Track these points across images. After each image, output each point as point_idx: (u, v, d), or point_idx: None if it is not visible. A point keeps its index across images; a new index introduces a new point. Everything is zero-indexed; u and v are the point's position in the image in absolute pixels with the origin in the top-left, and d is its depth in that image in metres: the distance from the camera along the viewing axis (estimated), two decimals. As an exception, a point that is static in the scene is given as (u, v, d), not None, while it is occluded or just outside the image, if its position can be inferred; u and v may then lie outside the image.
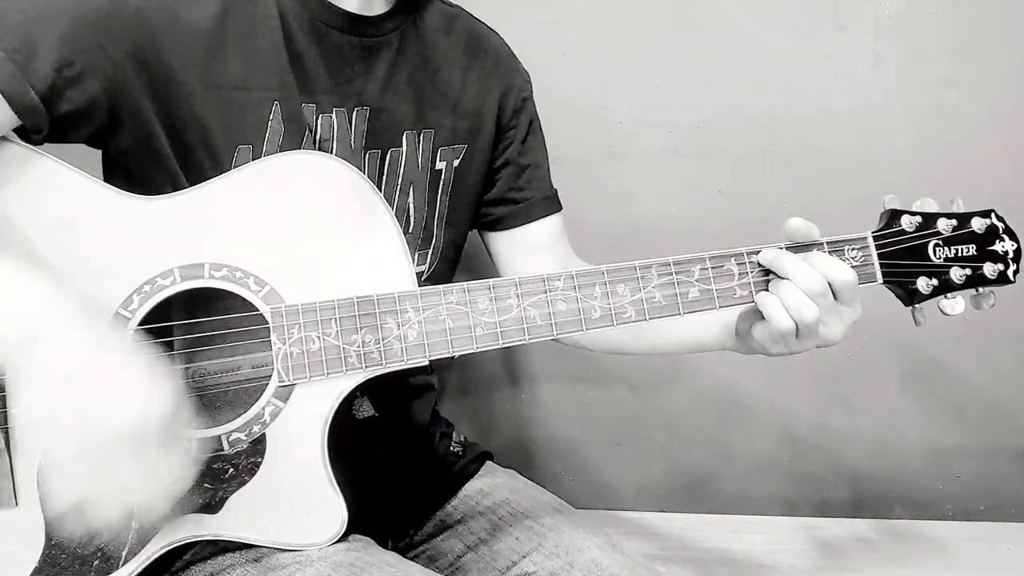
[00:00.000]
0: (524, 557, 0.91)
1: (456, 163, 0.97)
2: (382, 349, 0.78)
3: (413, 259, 0.92)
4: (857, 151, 1.32)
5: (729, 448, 1.45)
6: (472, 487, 1.02)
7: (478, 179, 1.00)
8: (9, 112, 0.73)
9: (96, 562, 0.75)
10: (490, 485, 1.02)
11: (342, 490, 0.77)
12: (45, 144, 0.78)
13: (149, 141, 0.81)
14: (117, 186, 0.79)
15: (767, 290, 0.80)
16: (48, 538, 0.74)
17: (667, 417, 1.46)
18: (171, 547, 0.76)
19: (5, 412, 0.75)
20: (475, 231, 1.08)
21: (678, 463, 1.47)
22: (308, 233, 0.79)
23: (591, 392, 1.47)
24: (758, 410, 1.43)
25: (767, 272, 0.81)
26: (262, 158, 0.82)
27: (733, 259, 0.81)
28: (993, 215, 0.85)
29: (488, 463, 1.07)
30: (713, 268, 0.81)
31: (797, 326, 0.78)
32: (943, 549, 1.29)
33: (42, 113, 0.75)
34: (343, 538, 0.80)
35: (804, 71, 1.32)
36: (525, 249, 1.05)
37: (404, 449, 0.99)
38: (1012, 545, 1.30)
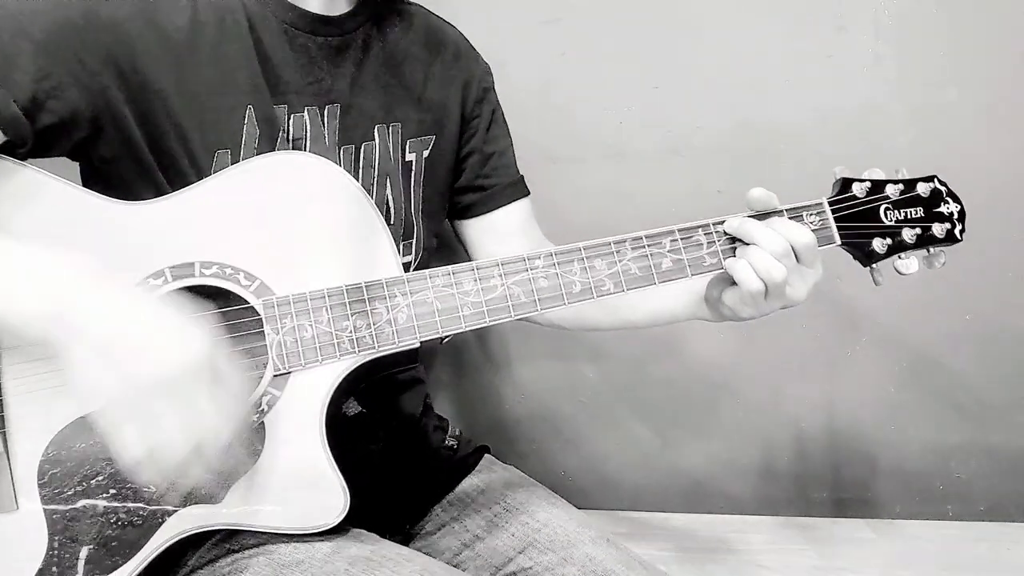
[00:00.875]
0: (520, 553, 0.92)
1: (426, 154, 0.98)
2: (374, 333, 0.80)
3: (399, 250, 0.93)
4: (857, 151, 1.30)
5: (728, 447, 1.44)
6: (469, 483, 1.02)
7: (448, 169, 1.03)
8: None
9: (101, 560, 0.75)
10: (487, 481, 1.02)
11: None
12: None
13: (131, 149, 0.82)
14: None
15: (735, 256, 0.84)
16: (51, 537, 0.74)
17: (665, 417, 1.45)
18: (175, 540, 0.77)
19: (2, 416, 0.75)
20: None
21: (676, 463, 1.46)
22: (294, 228, 0.80)
23: (590, 391, 1.46)
24: (757, 409, 1.42)
25: (733, 240, 0.85)
26: (246, 160, 0.83)
27: (700, 230, 0.86)
28: (936, 180, 0.90)
29: (486, 456, 1.08)
30: (683, 239, 0.85)
31: (766, 286, 0.81)
32: (943, 549, 1.28)
33: (25, 125, 0.75)
34: (349, 533, 0.81)
35: (804, 71, 1.31)
36: (496, 235, 1.07)
37: (396, 444, 0.99)
38: (1012, 545, 1.29)
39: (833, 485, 1.43)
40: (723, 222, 0.86)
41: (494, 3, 1.31)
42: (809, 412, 1.41)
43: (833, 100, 1.31)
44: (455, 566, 0.95)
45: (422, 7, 1.02)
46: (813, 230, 0.85)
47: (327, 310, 0.79)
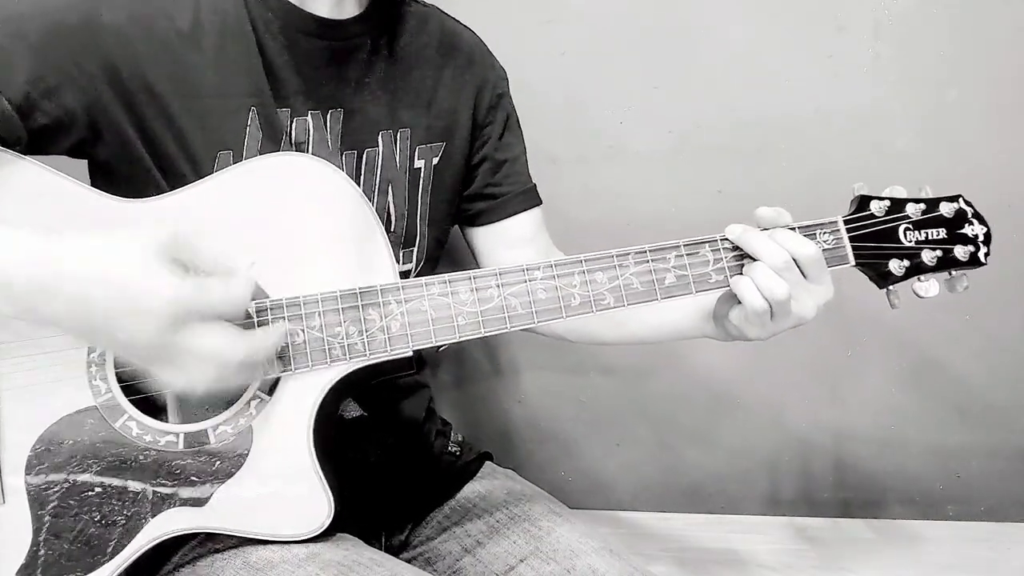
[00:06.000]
0: (521, 561, 0.89)
1: (435, 161, 0.95)
2: (365, 340, 0.77)
3: (398, 258, 0.91)
4: (857, 151, 1.29)
5: (729, 448, 1.43)
6: (471, 489, 1.00)
7: (457, 176, 0.99)
8: None
9: (83, 557, 0.74)
10: (488, 487, 1.00)
11: (329, 484, 0.77)
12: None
13: (128, 152, 0.80)
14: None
15: (741, 274, 0.80)
16: (36, 532, 0.73)
17: (666, 417, 1.43)
18: (159, 541, 0.75)
19: None
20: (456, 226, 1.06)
21: (677, 463, 1.44)
22: (291, 230, 0.78)
23: (590, 392, 1.44)
24: (758, 410, 1.40)
25: (741, 257, 0.81)
26: (245, 160, 0.81)
27: (707, 245, 0.82)
28: (961, 200, 0.85)
29: (488, 464, 1.05)
30: (688, 254, 0.81)
31: (770, 305, 0.78)
32: (943, 549, 1.27)
33: (17, 124, 0.74)
34: (332, 537, 0.79)
35: (804, 71, 1.28)
36: (505, 243, 1.03)
37: (397, 448, 0.97)
38: (1012, 545, 1.28)
39: (833, 485, 1.41)
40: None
41: (494, 3, 1.29)
42: (810, 413, 1.40)
43: (833, 100, 1.29)
44: (455, 572, 0.93)
45: (438, 9, 0.98)
46: (826, 249, 0.80)
47: (320, 315, 0.76)
